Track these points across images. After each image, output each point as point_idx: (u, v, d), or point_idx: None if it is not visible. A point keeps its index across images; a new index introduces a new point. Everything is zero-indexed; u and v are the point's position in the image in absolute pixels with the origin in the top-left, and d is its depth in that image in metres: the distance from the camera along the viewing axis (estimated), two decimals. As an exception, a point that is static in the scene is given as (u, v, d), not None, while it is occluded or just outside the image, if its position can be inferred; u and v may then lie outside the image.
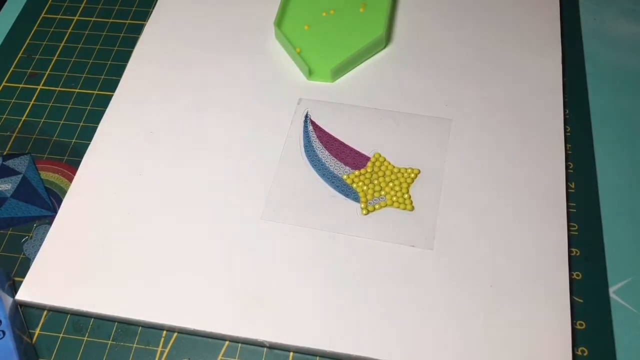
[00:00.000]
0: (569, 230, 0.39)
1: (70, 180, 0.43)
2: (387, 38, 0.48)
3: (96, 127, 0.44)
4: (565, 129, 0.43)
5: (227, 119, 0.44)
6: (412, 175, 0.41)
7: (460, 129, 0.43)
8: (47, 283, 0.37)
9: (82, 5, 0.54)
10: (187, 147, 0.43)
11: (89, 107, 0.47)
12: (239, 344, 0.36)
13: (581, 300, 0.37)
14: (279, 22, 0.48)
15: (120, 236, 0.39)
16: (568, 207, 0.40)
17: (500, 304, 0.35)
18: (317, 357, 0.35)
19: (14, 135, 0.46)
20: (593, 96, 0.45)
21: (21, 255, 0.40)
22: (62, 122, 0.46)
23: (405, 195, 0.40)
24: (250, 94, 0.45)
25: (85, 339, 0.36)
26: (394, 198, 0.40)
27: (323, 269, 0.37)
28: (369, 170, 0.41)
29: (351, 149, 0.42)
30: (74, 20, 0.53)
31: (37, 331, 0.37)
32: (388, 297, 0.36)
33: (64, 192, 0.42)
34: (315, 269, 0.37)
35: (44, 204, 0.42)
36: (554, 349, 0.34)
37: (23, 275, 0.38)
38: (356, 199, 0.40)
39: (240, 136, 0.43)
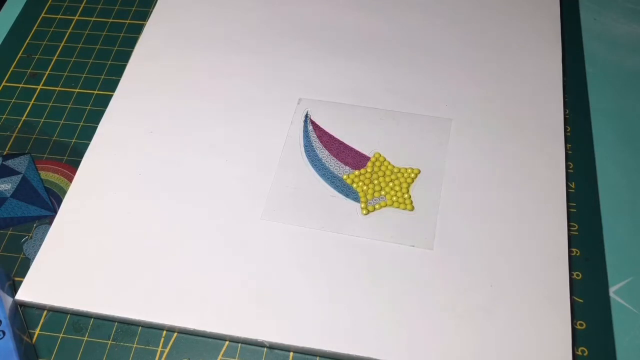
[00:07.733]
0: (569, 230, 0.39)
1: (70, 180, 0.43)
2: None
3: (96, 127, 0.44)
4: (565, 129, 0.43)
5: (227, 118, 0.44)
6: (412, 175, 0.41)
7: (460, 129, 0.43)
8: (47, 283, 0.37)
9: (82, 5, 0.54)
10: (186, 147, 0.43)
11: (89, 107, 0.47)
12: (239, 344, 0.36)
13: (581, 300, 0.37)
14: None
15: (120, 236, 0.39)
16: (568, 207, 0.40)
17: (500, 304, 0.35)
18: (317, 357, 0.35)
19: (14, 135, 0.46)
20: (593, 96, 0.45)
21: (21, 255, 0.40)
22: (62, 122, 0.46)
23: (405, 195, 0.40)
24: (250, 94, 0.45)
25: (85, 339, 0.36)
26: (394, 198, 0.40)
27: (323, 269, 0.37)
28: (369, 170, 0.41)
29: (351, 149, 0.42)
30: (74, 20, 0.53)
31: (37, 331, 0.37)
32: (388, 297, 0.36)
33: (64, 192, 0.42)
34: (315, 269, 0.37)
35: (44, 204, 0.42)
36: (554, 349, 0.34)
37: (23, 275, 0.38)
38: (356, 199, 0.40)
39: (240, 136, 0.43)
